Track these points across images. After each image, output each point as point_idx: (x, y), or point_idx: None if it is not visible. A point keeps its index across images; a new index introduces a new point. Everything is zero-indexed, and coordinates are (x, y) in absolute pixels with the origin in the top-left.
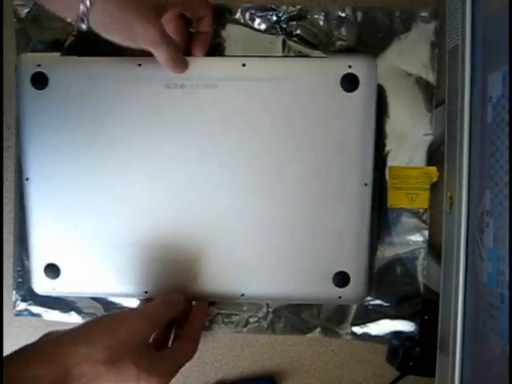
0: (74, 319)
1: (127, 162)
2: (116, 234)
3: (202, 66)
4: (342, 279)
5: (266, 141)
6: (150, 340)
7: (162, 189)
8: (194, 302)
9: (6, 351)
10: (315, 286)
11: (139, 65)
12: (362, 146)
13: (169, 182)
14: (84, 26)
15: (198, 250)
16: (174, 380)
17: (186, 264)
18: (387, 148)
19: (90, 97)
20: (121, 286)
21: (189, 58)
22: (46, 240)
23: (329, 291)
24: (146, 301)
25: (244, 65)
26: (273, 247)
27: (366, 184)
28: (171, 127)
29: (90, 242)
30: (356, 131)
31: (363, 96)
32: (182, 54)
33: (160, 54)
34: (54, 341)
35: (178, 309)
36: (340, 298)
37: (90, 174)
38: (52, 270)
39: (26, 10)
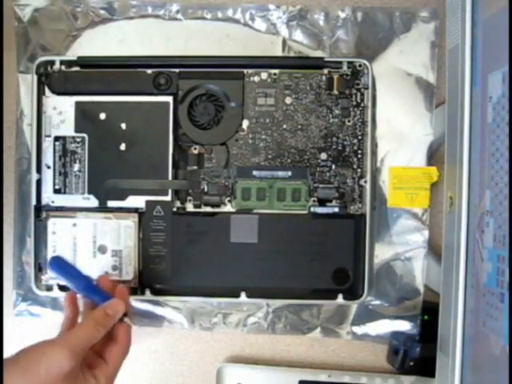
0: None
1: None
2: None
3: None
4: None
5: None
6: None
7: None
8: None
9: (6, 351)
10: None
11: None
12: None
13: None
14: None
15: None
16: (173, 380)
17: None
18: (387, 148)
19: None
20: None
21: None
22: None
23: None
24: (69, 321)
25: None
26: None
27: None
28: None
29: None
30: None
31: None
32: None
33: None
34: None
35: (106, 328)
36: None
37: None
38: None
39: (26, 11)
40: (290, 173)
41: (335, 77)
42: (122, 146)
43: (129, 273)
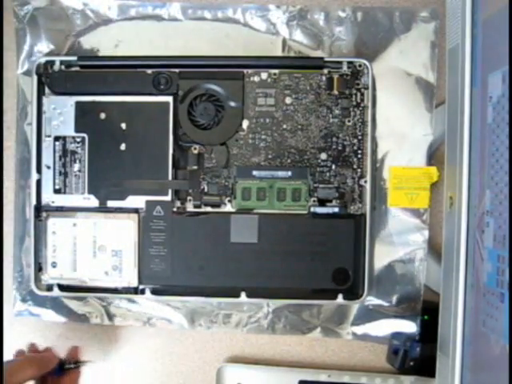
0: (73, 320)
1: None
2: None
3: None
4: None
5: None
6: None
7: None
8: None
9: (6, 351)
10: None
11: None
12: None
13: None
14: None
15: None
16: (173, 380)
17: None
18: (387, 148)
19: None
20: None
21: None
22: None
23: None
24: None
25: None
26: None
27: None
28: None
29: None
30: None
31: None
32: None
33: None
34: None
35: (42, 369)
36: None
37: None
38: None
39: (26, 11)
40: (289, 173)
41: (335, 77)
42: (122, 146)
43: (129, 273)
